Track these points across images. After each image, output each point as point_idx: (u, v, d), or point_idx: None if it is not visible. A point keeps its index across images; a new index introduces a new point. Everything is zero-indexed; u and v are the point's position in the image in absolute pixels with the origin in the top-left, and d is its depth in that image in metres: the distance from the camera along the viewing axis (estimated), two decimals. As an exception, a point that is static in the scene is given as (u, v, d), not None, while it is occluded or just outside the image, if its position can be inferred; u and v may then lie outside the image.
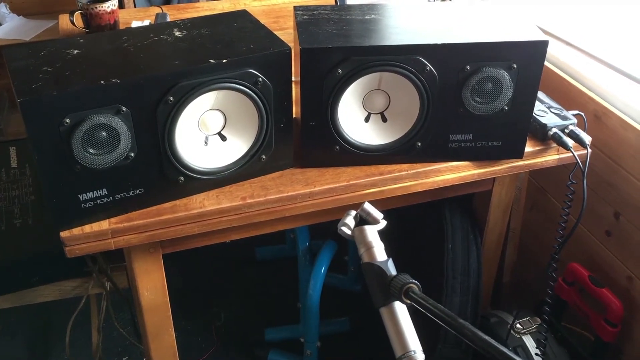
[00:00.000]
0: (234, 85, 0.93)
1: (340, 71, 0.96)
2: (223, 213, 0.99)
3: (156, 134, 0.91)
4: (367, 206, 0.83)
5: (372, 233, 0.80)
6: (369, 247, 0.79)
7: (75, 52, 0.93)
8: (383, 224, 0.83)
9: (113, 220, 0.95)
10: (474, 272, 1.33)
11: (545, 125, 1.12)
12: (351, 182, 1.04)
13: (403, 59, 0.96)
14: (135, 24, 1.60)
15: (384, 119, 1.05)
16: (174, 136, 0.92)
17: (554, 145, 1.13)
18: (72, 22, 1.51)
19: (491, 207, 1.29)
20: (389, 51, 0.96)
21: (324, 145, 1.04)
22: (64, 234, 0.92)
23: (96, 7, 1.49)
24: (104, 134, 0.87)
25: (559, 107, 1.18)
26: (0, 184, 1.35)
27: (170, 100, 0.89)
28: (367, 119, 1.05)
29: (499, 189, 1.26)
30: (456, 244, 1.33)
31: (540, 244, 1.57)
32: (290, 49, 0.95)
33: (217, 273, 2.04)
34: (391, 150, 1.06)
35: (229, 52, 0.93)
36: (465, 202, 1.38)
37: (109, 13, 1.51)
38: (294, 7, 1.09)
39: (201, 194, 1.00)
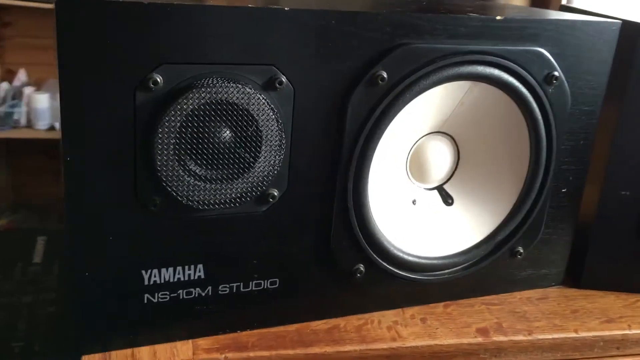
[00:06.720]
0: (504, 76, 0.43)
1: None
2: (438, 357, 0.45)
3: (337, 150, 0.41)
4: None
5: None
6: None
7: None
8: None
9: (203, 343, 0.42)
10: None
11: None
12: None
13: None
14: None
15: None
16: (369, 166, 0.42)
17: None
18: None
19: None
20: None
21: (636, 243, 0.51)
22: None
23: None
24: (227, 132, 0.37)
25: None
26: (11, 283, 0.85)
27: (383, 78, 0.40)
28: None
29: None
30: None
31: None
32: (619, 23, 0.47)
33: None
34: None
35: (489, 13, 0.45)
36: None
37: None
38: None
39: (389, 311, 0.47)
